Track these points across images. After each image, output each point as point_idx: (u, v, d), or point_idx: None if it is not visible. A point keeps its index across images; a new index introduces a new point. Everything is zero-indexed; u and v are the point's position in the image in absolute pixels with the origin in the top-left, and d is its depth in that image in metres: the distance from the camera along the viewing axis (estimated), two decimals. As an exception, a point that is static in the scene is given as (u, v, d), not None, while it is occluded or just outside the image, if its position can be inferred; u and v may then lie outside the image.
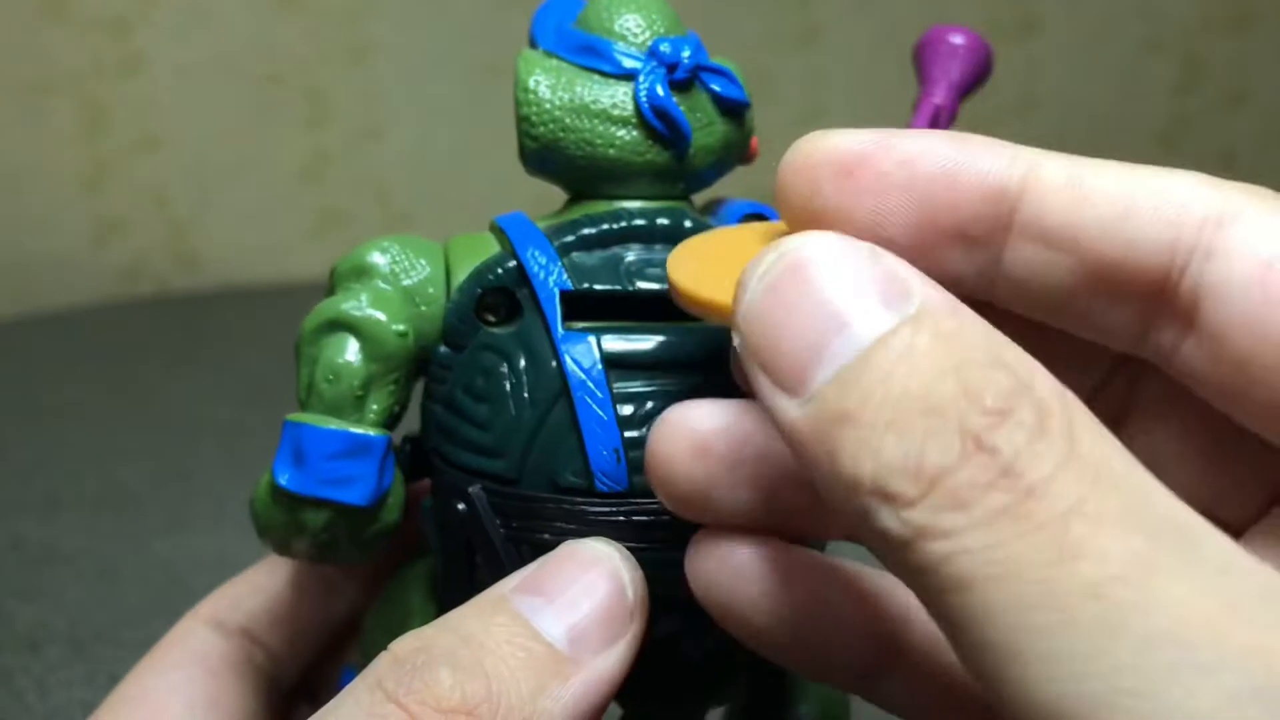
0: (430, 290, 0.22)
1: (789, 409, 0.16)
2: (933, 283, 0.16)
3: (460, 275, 0.21)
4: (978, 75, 0.27)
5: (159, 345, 0.95)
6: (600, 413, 0.20)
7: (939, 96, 0.26)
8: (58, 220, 1.10)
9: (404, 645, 0.19)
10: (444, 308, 0.22)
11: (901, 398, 0.15)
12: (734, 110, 0.23)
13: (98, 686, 0.51)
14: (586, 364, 0.20)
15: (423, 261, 0.22)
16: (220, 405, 0.82)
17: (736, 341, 0.17)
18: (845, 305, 0.16)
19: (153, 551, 0.62)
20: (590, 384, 0.20)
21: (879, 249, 0.16)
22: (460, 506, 0.21)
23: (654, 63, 0.21)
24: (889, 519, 0.15)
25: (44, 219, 1.10)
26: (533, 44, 0.23)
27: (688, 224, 0.22)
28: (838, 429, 0.15)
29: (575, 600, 0.19)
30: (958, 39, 0.27)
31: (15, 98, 1.06)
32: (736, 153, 0.23)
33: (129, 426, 0.78)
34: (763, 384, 0.16)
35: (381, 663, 0.19)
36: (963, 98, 0.27)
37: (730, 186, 0.26)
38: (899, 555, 0.15)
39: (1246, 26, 1.21)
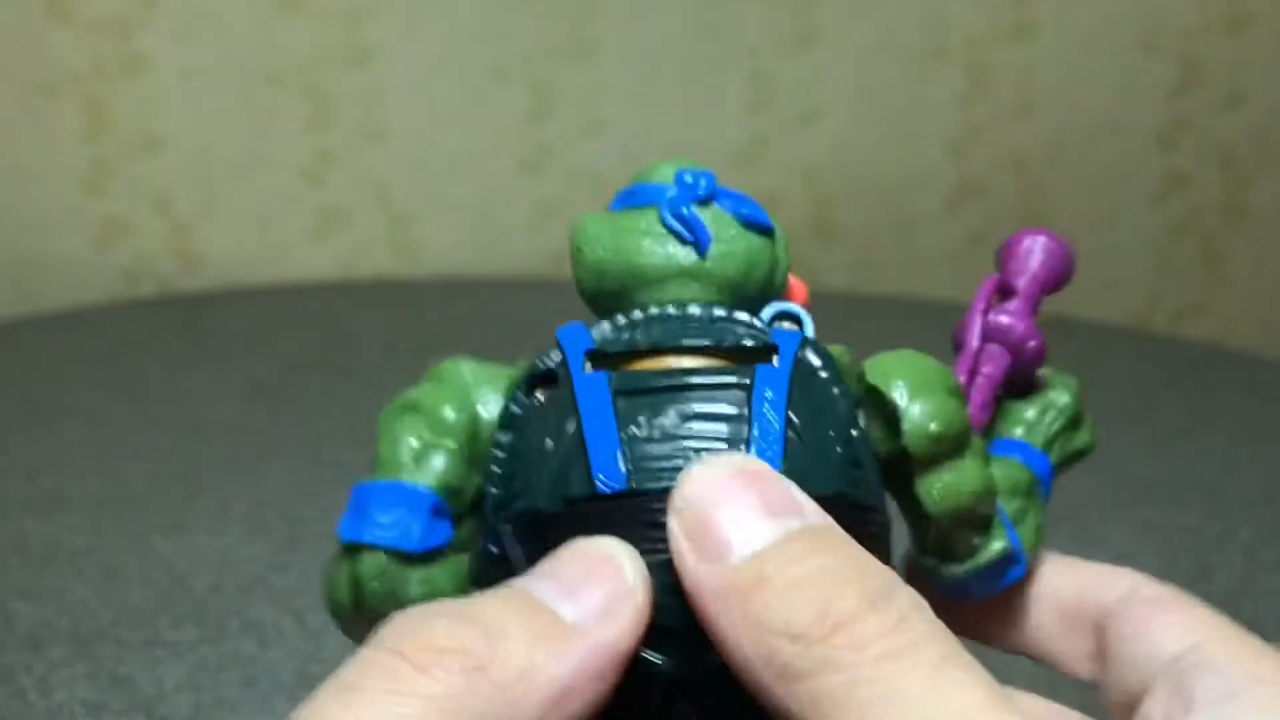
0: (494, 399, 0.24)
1: (707, 574, 0.20)
2: (820, 509, 0.21)
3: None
4: (1059, 279, 0.30)
5: (161, 345, 0.95)
6: (602, 427, 0.22)
7: (1017, 280, 0.29)
8: (60, 221, 1.10)
9: (407, 611, 0.20)
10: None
11: (810, 571, 0.19)
12: (755, 227, 0.25)
13: (100, 685, 0.51)
14: (597, 394, 0.22)
15: (490, 390, 0.24)
16: (223, 405, 0.82)
17: (669, 523, 0.21)
18: (759, 509, 0.20)
19: (155, 550, 0.62)
20: (597, 408, 0.22)
21: (778, 474, 0.21)
22: (492, 549, 0.23)
23: (675, 187, 0.25)
24: (795, 655, 0.19)
25: (46, 220, 1.10)
26: None
27: (719, 311, 0.24)
28: (754, 589, 0.19)
29: (580, 582, 0.20)
30: (1042, 240, 0.29)
31: (17, 98, 1.06)
32: (770, 273, 0.25)
33: (132, 426, 0.78)
34: (685, 554, 0.20)
35: (385, 625, 0.20)
36: (1046, 294, 0.29)
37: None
38: (797, 683, 0.19)
39: (1244, 28, 1.21)
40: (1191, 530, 0.65)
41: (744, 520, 0.20)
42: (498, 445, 0.23)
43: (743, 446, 0.22)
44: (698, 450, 0.22)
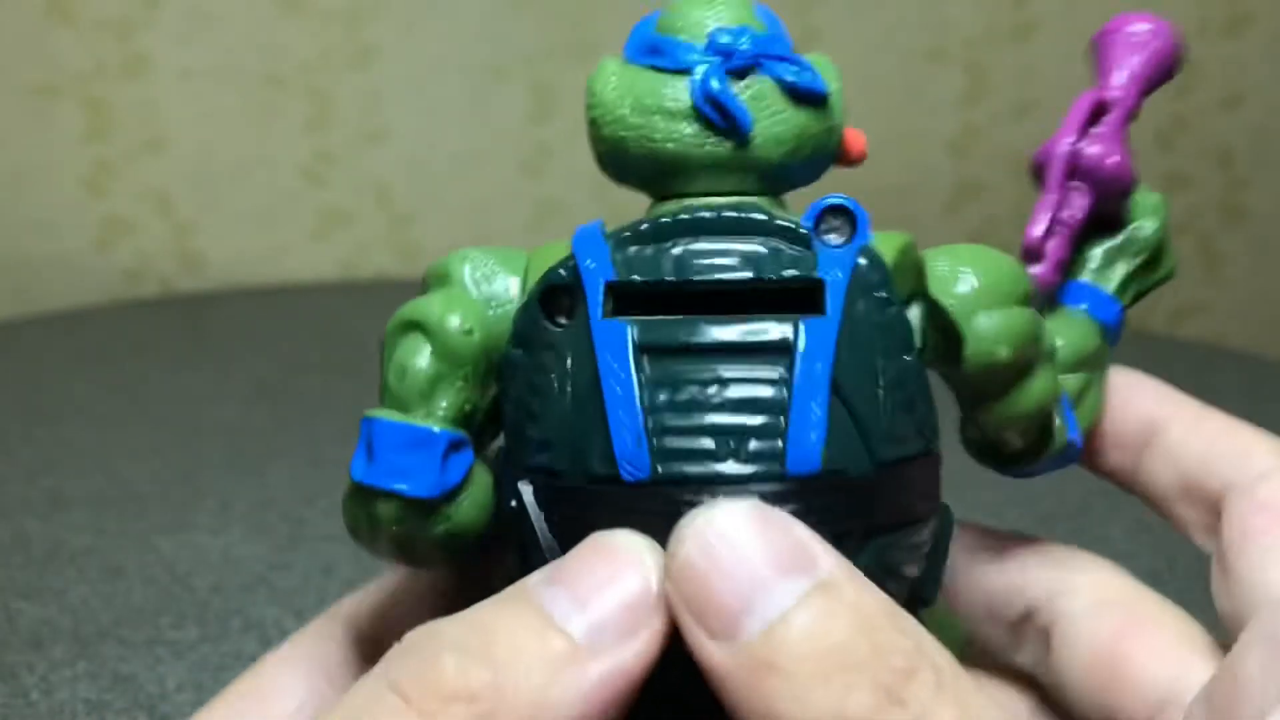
0: (505, 295, 0.22)
1: (716, 652, 0.18)
2: (835, 552, 0.19)
3: (533, 280, 0.22)
4: (1163, 69, 0.26)
5: (163, 345, 0.95)
6: (624, 397, 0.19)
7: (1112, 90, 0.25)
8: (61, 221, 1.10)
9: (414, 634, 0.19)
10: (515, 313, 0.22)
11: (823, 654, 0.18)
12: (808, 99, 0.22)
13: (102, 685, 0.51)
14: (616, 350, 0.20)
15: (502, 268, 0.22)
16: (224, 405, 0.82)
17: (669, 589, 0.19)
18: (768, 569, 0.18)
19: (157, 550, 0.62)
20: (617, 369, 0.20)
21: (790, 518, 0.19)
22: (512, 504, 0.21)
23: (710, 53, 0.21)
24: None
25: (48, 220, 1.10)
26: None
27: (758, 216, 0.21)
28: (766, 676, 0.18)
29: (596, 590, 0.19)
30: (1144, 26, 0.25)
31: (19, 99, 1.07)
32: (823, 145, 0.22)
33: (133, 426, 0.78)
34: (691, 628, 0.19)
35: (390, 652, 0.19)
36: (1146, 93, 0.25)
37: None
38: None
39: (1243, 29, 1.22)
40: (1190, 529, 0.65)
41: (749, 587, 0.18)
42: (512, 368, 0.21)
43: (779, 441, 0.19)
44: (728, 435, 0.19)
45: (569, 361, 0.20)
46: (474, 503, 0.21)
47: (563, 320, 0.21)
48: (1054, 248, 0.24)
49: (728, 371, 0.20)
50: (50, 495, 0.68)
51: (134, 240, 1.12)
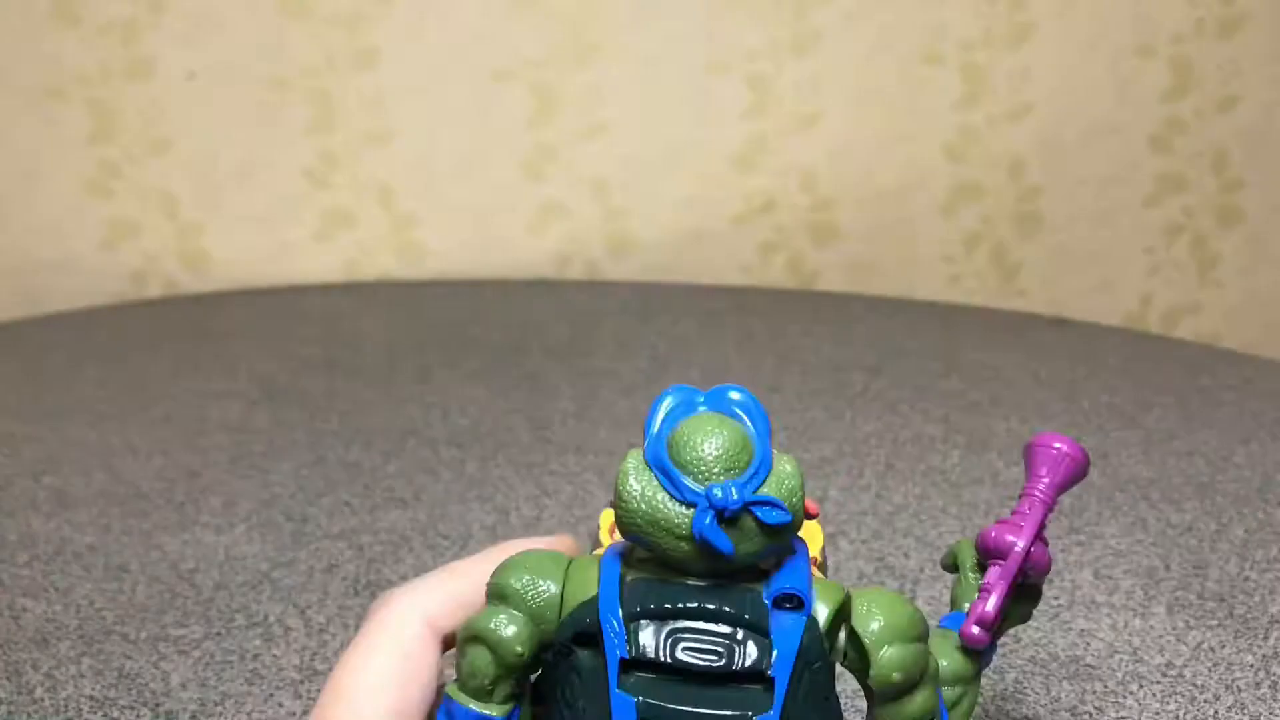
0: (548, 614, 0.30)
1: None
2: None
3: (570, 604, 0.30)
4: (1075, 478, 0.34)
5: (167, 346, 0.96)
6: None
7: (1042, 493, 0.33)
8: (67, 223, 1.11)
9: None
10: (556, 625, 0.30)
11: None
12: (777, 529, 0.29)
13: (106, 681, 0.52)
14: (625, 716, 0.27)
15: (546, 581, 0.30)
16: (228, 404, 0.82)
17: None
18: None
19: (161, 548, 0.63)
20: None
21: None
22: None
23: (706, 503, 0.28)
24: None
25: (54, 222, 1.11)
26: (645, 432, 0.30)
27: (729, 610, 0.28)
28: None
29: None
30: (1061, 446, 0.34)
31: (26, 102, 1.07)
32: (787, 543, 0.29)
33: (138, 425, 0.79)
34: None
35: None
36: (1059, 494, 0.34)
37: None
38: None
39: (1236, 31, 1.22)
40: (1185, 527, 0.65)
41: None
42: (552, 667, 0.29)
43: None
44: None
45: (593, 701, 0.28)
46: None
47: (589, 650, 0.29)
48: (994, 603, 0.32)
49: None
50: (55, 494, 0.69)
51: (139, 241, 1.12)
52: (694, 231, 1.19)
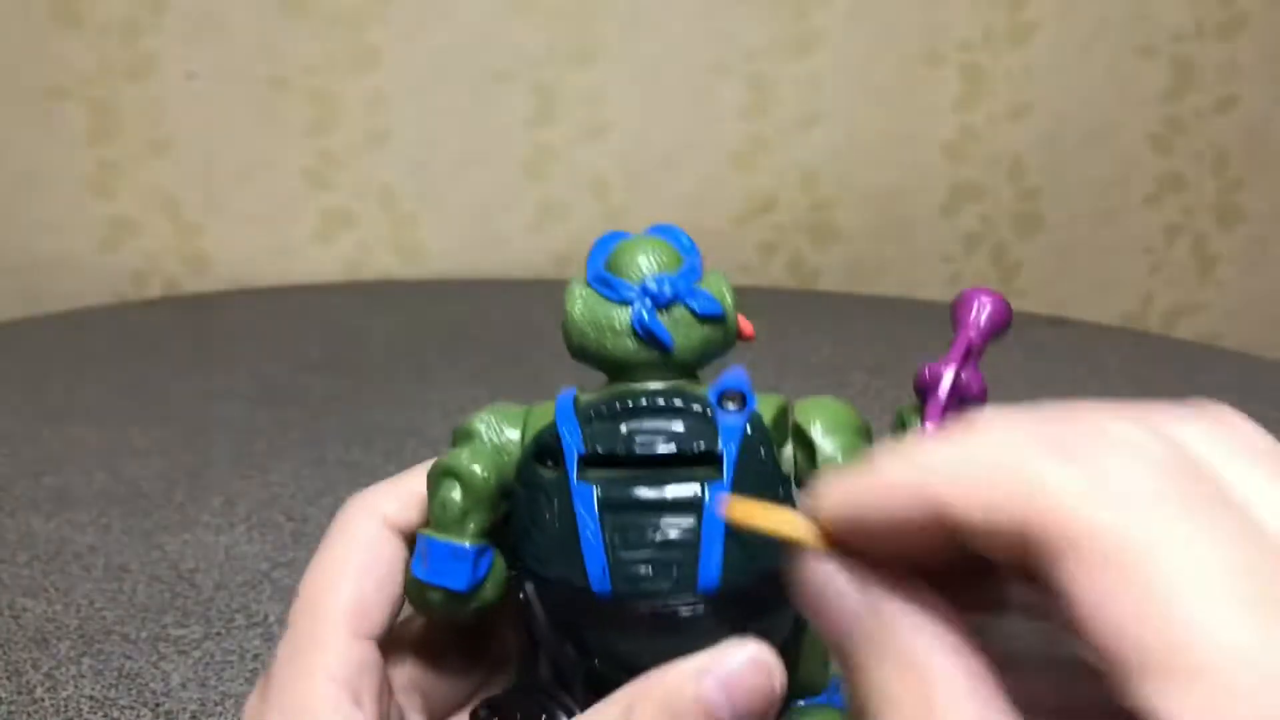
0: (511, 447, 0.32)
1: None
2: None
3: (530, 436, 0.31)
4: (1001, 326, 0.36)
5: (168, 346, 0.96)
6: (593, 540, 0.29)
7: (972, 338, 0.35)
8: (68, 223, 1.11)
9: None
10: (518, 458, 0.31)
11: None
12: (711, 319, 0.31)
13: (106, 681, 0.52)
14: (586, 505, 0.29)
15: (509, 427, 0.32)
16: (228, 404, 0.83)
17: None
18: None
19: (161, 548, 0.63)
20: (588, 518, 0.29)
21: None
22: (520, 596, 0.30)
23: (642, 294, 0.31)
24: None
25: (54, 222, 1.11)
26: (588, 266, 0.32)
27: (678, 402, 0.30)
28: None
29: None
30: (986, 297, 0.35)
31: (26, 102, 1.07)
32: (723, 343, 0.32)
33: (138, 425, 0.79)
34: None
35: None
36: (987, 342, 0.35)
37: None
38: None
39: (1236, 31, 1.22)
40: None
41: None
42: (516, 499, 0.30)
43: (693, 569, 0.28)
44: (660, 564, 0.28)
45: (555, 504, 0.29)
46: (495, 584, 0.31)
47: (550, 465, 0.30)
48: (937, 412, 0.33)
49: (660, 520, 0.29)
50: (55, 494, 0.69)
51: (139, 241, 1.12)
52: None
